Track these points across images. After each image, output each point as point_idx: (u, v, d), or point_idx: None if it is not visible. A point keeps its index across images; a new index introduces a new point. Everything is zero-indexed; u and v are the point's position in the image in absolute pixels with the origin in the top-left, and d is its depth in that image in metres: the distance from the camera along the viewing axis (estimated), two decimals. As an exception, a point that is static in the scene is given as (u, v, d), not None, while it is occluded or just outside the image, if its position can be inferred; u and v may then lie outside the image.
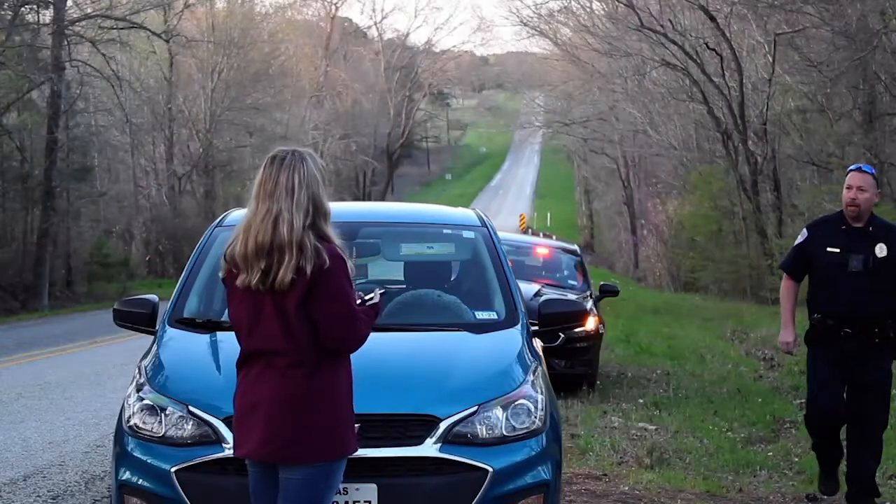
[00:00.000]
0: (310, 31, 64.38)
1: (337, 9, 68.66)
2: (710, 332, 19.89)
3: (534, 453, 4.92)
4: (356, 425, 4.40)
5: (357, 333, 4.16)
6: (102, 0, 30.74)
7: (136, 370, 5.31)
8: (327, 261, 4.05)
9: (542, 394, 5.11)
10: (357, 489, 4.64)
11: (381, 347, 4.82)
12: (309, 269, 4.03)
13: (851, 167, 6.90)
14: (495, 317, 5.87)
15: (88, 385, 12.56)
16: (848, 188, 6.66)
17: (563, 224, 70.81)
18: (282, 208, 4.08)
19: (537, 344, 5.93)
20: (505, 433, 4.88)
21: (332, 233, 4.19)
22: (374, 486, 4.66)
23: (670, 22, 29.58)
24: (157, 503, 4.83)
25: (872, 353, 6.65)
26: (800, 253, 6.88)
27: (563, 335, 11.14)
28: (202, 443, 4.77)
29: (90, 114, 36.13)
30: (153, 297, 5.92)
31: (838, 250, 6.64)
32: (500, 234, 6.88)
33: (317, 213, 4.15)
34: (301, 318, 4.07)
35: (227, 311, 5.71)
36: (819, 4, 21.61)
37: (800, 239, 6.89)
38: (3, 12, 28.80)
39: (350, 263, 4.20)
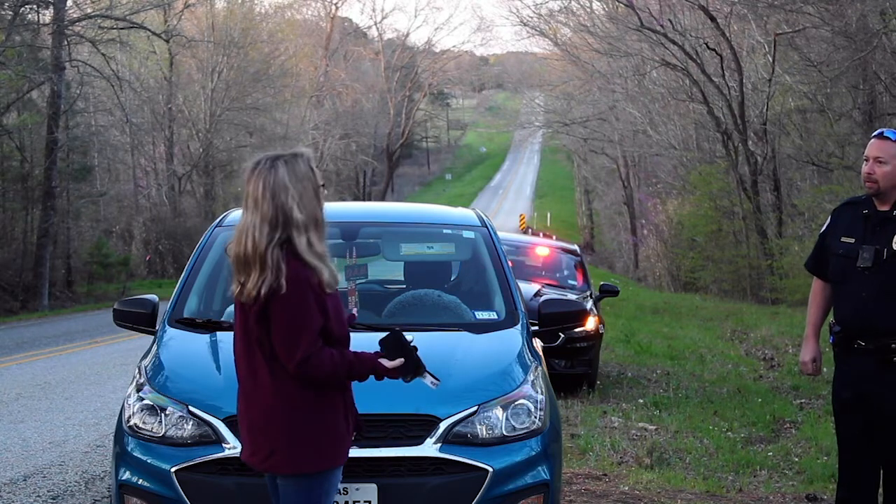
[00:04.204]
0: (310, 31, 64.32)
1: (337, 9, 68.60)
2: (710, 332, 19.88)
3: (534, 453, 4.92)
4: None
5: (316, 360, 3.84)
6: (102, 0, 30.72)
7: (136, 370, 5.31)
8: (284, 286, 3.81)
9: (542, 394, 5.11)
10: (357, 489, 4.64)
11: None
12: (264, 291, 3.82)
13: (874, 133, 5.29)
14: (495, 317, 5.87)
15: (88, 385, 12.55)
16: (865, 160, 5.17)
17: (563, 224, 70.77)
18: (248, 221, 3.91)
19: (537, 344, 5.93)
20: (505, 433, 4.88)
21: (310, 251, 3.88)
22: (374, 486, 4.66)
23: (670, 22, 29.56)
24: (157, 503, 4.84)
25: (890, 376, 5.07)
26: (820, 244, 5.43)
27: (563, 335, 11.16)
28: (202, 443, 4.78)
29: (90, 114, 36.11)
30: (153, 297, 5.93)
31: (853, 240, 5.18)
32: (500, 234, 6.88)
33: (288, 225, 3.87)
34: (260, 334, 3.91)
35: (227, 311, 5.76)
36: (819, 4, 21.59)
37: (824, 226, 5.47)
38: (3, 12, 28.77)
39: (326, 280, 3.90)
